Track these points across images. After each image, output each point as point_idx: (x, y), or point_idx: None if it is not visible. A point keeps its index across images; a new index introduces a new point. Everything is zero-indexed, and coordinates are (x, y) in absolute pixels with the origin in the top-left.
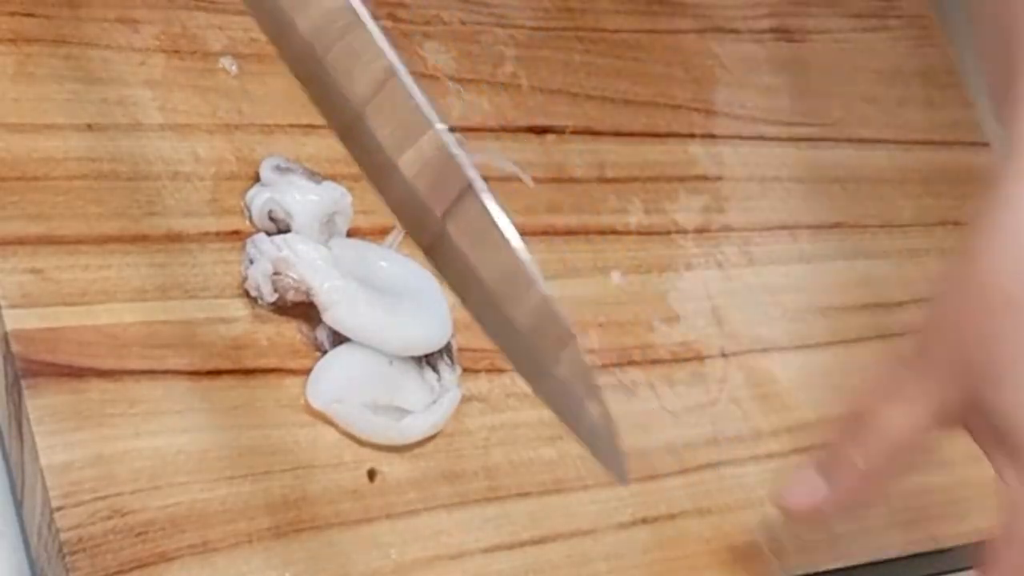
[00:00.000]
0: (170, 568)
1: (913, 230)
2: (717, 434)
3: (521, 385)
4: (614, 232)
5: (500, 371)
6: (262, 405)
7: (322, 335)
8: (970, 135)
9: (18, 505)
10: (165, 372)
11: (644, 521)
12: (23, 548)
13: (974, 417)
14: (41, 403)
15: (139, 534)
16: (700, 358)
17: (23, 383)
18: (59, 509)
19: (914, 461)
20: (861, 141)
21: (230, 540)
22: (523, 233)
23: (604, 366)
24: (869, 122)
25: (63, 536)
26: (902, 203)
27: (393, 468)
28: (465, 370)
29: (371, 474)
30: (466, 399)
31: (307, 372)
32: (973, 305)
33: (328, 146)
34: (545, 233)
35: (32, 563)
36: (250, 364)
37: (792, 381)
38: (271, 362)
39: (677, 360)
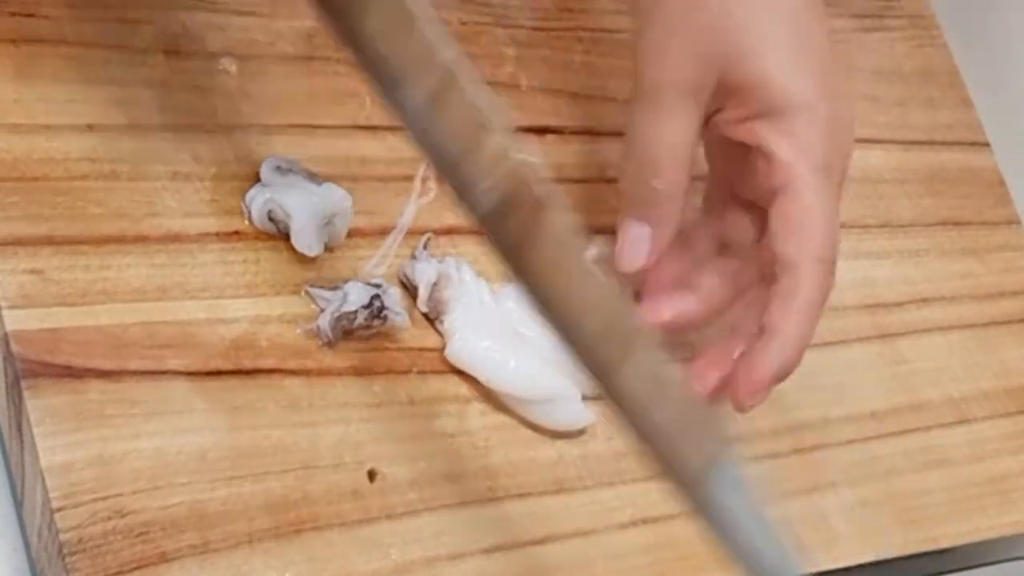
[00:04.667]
0: (170, 568)
1: (913, 230)
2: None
3: None
4: (614, 233)
5: None
6: (262, 406)
7: (324, 324)
8: (970, 135)
9: (18, 506)
10: (165, 372)
11: (644, 521)
12: (23, 549)
13: (725, 107)
14: (41, 404)
15: (139, 535)
16: None
17: (23, 384)
18: (59, 510)
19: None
20: (861, 141)
21: (230, 540)
22: None
23: None
24: (869, 122)
25: (63, 537)
26: (902, 203)
27: (393, 468)
28: (464, 372)
29: (371, 474)
30: (466, 399)
31: (307, 372)
32: None
33: (328, 146)
34: None
35: (32, 564)
36: (250, 365)
37: (792, 381)
38: (271, 362)
39: (677, 360)
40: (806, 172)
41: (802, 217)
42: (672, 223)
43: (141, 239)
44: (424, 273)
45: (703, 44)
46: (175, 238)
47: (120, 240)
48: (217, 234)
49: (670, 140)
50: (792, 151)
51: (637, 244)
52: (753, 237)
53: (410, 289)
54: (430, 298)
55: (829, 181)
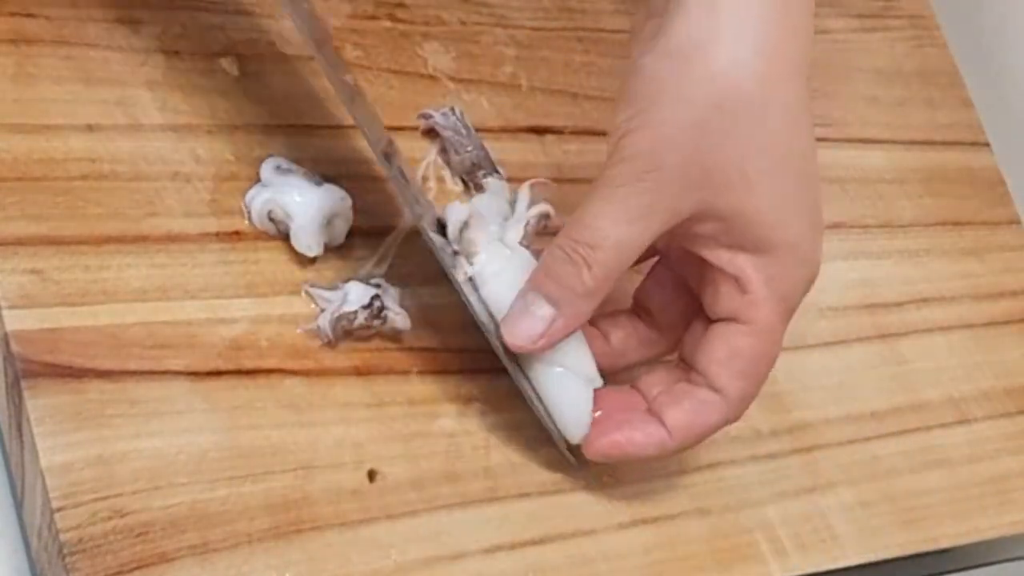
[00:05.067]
0: (170, 568)
1: (913, 230)
2: (717, 433)
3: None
4: None
5: (501, 371)
6: (262, 406)
7: (324, 324)
8: (970, 135)
9: (18, 506)
10: (165, 372)
11: (644, 521)
12: (23, 549)
13: (705, 226)
14: (41, 404)
15: (139, 535)
16: None
17: (23, 384)
18: (59, 510)
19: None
20: (861, 141)
21: (230, 540)
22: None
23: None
24: (869, 122)
25: (63, 537)
26: (902, 203)
27: (393, 469)
28: (463, 371)
29: (371, 474)
30: (465, 399)
31: (307, 372)
32: (700, 107)
33: (329, 147)
34: (544, 234)
35: (32, 564)
36: (250, 365)
37: (792, 381)
38: (271, 363)
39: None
40: (774, 316)
41: (754, 358)
42: (580, 322)
43: (141, 239)
44: (454, 212)
45: (695, 158)
46: (175, 238)
47: (120, 240)
48: (217, 234)
49: (619, 241)
50: (768, 292)
51: (533, 323)
52: (679, 313)
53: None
54: (460, 238)
55: (787, 319)
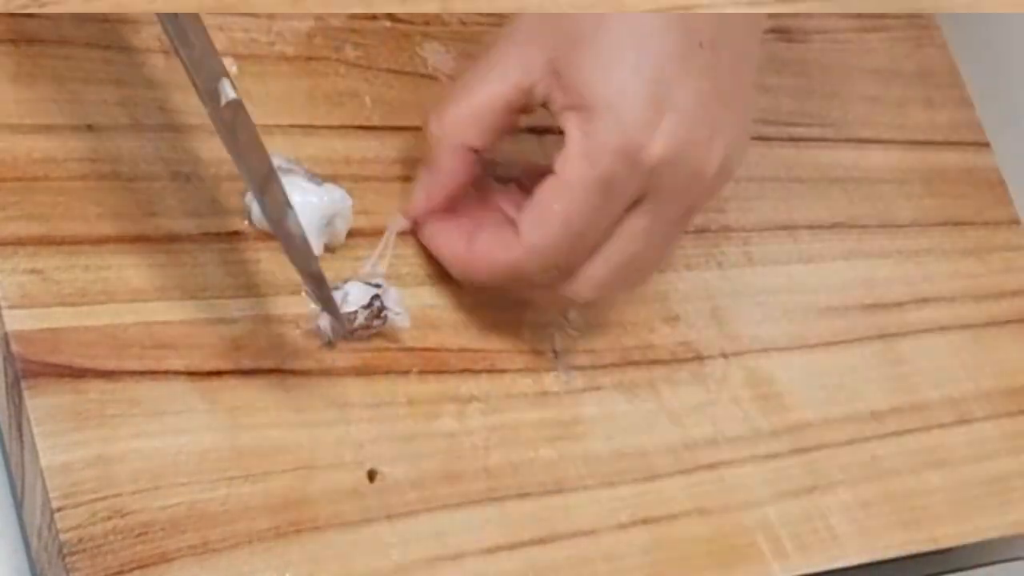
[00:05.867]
0: (170, 568)
1: (913, 230)
2: (717, 434)
3: (521, 386)
4: None
5: (501, 371)
6: (262, 406)
7: (324, 324)
8: (970, 135)
9: (18, 506)
10: (165, 372)
11: (644, 521)
12: (23, 549)
13: (553, 82)
14: (41, 404)
15: (139, 535)
16: (700, 358)
17: (23, 384)
18: (59, 510)
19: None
20: (861, 141)
21: (230, 540)
22: None
23: (605, 366)
24: (869, 122)
25: (63, 537)
26: (902, 203)
27: (393, 468)
28: (464, 371)
29: (371, 474)
30: (465, 400)
31: (307, 373)
32: None
33: (329, 147)
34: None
35: (32, 564)
36: (250, 365)
37: (792, 381)
38: (271, 363)
39: (677, 360)
40: (575, 173)
41: (547, 207)
42: (448, 180)
43: (141, 239)
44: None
45: (550, 24)
46: (175, 238)
47: (120, 240)
48: (217, 234)
49: (481, 100)
50: (577, 149)
51: (417, 190)
52: None
53: None
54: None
55: (596, 185)
